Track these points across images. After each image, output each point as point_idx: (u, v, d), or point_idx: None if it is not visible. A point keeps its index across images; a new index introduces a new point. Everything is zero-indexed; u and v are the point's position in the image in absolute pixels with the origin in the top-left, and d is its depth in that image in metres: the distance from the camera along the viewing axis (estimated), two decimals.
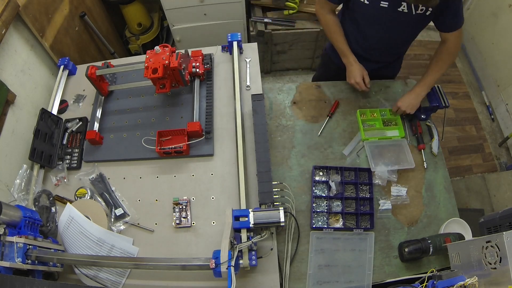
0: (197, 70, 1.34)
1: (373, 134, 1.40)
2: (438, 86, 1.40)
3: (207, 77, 1.41)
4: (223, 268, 0.91)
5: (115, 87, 1.40)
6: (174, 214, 1.17)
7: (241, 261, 0.98)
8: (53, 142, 1.31)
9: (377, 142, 1.38)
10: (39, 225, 1.03)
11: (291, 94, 1.50)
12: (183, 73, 1.25)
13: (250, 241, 0.98)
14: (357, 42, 1.41)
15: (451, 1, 1.15)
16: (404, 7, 1.19)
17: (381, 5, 1.20)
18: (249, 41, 2.41)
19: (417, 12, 1.19)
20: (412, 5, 1.17)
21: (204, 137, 1.27)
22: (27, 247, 0.93)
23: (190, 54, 1.37)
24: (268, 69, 2.71)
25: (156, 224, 1.18)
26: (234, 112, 1.30)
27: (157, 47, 1.18)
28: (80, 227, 1.09)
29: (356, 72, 1.39)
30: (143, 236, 1.16)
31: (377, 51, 1.42)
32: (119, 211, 1.17)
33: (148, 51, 1.20)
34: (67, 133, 1.34)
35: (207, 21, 2.28)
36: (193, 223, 1.17)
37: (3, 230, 0.90)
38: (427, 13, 1.19)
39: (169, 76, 1.24)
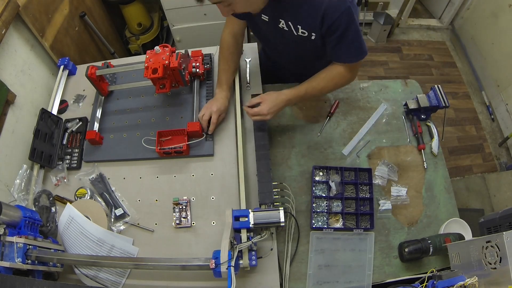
0: (197, 70, 1.34)
1: None
2: (438, 86, 1.40)
3: (207, 77, 1.41)
4: (223, 268, 0.91)
5: (115, 87, 1.40)
6: (174, 214, 1.17)
7: (241, 261, 0.98)
8: (53, 142, 1.31)
9: None
10: (39, 225, 1.03)
11: None
12: (183, 73, 1.25)
13: (250, 241, 0.98)
14: (265, 54, 1.38)
15: (337, 30, 1.02)
16: (283, 24, 1.08)
17: (262, 18, 1.11)
18: (249, 41, 2.40)
19: (298, 33, 1.08)
20: (291, 25, 1.06)
21: (204, 137, 1.27)
22: (27, 247, 0.92)
23: (190, 54, 1.37)
24: None
25: (156, 224, 1.18)
26: (234, 112, 1.30)
27: (157, 47, 1.18)
28: (80, 227, 1.09)
29: (206, 106, 1.26)
30: (143, 236, 1.16)
31: (282, 66, 1.34)
32: (119, 211, 1.17)
33: (148, 51, 1.20)
34: (67, 133, 1.34)
35: (207, 21, 2.28)
36: (193, 223, 1.17)
37: (3, 230, 0.90)
38: (312, 37, 1.07)
39: (169, 76, 1.24)
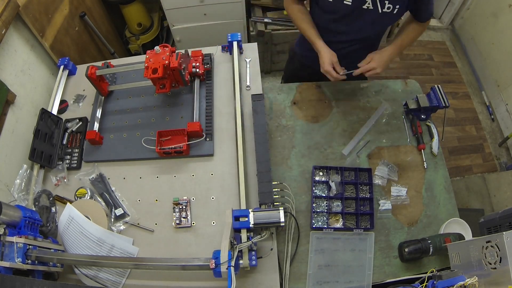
0: (197, 70, 1.34)
1: None
2: (438, 86, 1.40)
3: (207, 77, 1.41)
4: (223, 268, 0.91)
5: (115, 87, 1.40)
6: (174, 214, 1.17)
7: (241, 261, 0.98)
8: (53, 142, 1.31)
9: None
10: (39, 225, 1.03)
11: (291, 94, 1.50)
12: (183, 73, 1.25)
13: (250, 241, 0.98)
14: (327, 37, 1.34)
15: None
16: (369, 4, 1.15)
17: (344, 2, 1.15)
18: (249, 41, 2.40)
19: (383, 10, 1.15)
20: (378, 2, 1.13)
21: (204, 137, 1.27)
22: (27, 247, 0.93)
23: (190, 54, 1.37)
24: (268, 69, 2.71)
25: (156, 224, 1.18)
26: (234, 112, 1.30)
27: (157, 47, 1.18)
28: (80, 227, 1.09)
29: (324, 59, 1.25)
30: (143, 236, 1.16)
31: (346, 48, 1.36)
32: (119, 211, 1.17)
33: (148, 51, 1.20)
34: (67, 133, 1.34)
35: (207, 21, 2.28)
36: (193, 223, 1.17)
37: (3, 230, 0.90)
38: (395, 11, 1.16)
39: (169, 76, 1.24)
